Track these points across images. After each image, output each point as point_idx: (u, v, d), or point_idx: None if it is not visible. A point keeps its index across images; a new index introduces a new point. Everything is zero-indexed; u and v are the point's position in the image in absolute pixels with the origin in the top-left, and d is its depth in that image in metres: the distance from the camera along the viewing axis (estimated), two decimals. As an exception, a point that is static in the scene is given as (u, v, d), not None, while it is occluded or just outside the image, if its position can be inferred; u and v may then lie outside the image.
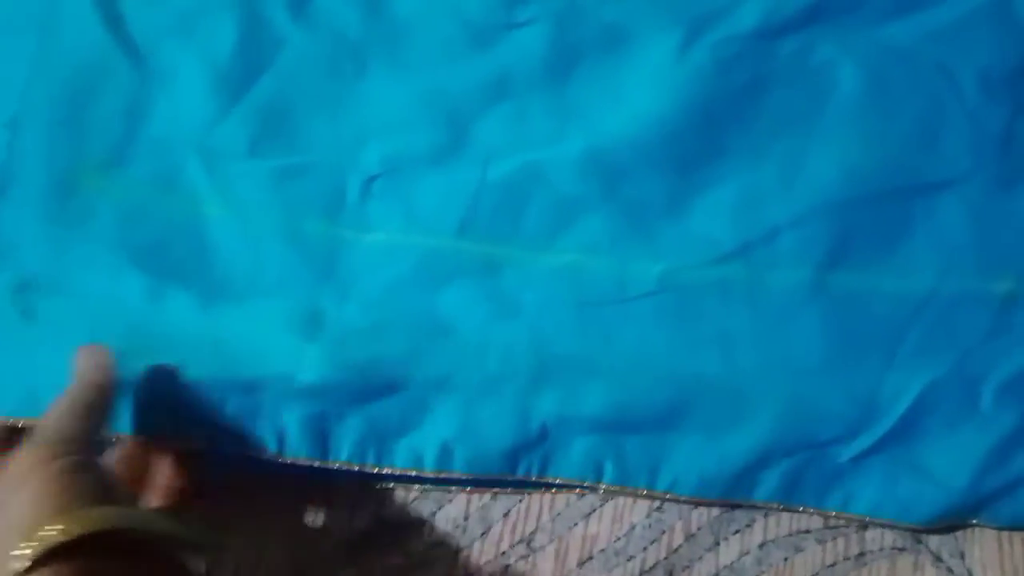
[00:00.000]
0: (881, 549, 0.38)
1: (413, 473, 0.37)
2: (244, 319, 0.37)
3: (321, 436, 0.36)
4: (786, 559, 0.38)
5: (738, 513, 0.38)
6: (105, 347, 0.34)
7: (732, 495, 0.38)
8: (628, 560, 0.38)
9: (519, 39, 0.41)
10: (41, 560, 0.26)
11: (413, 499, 0.39)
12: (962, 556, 0.38)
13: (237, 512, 0.37)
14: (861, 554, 0.38)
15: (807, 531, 0.38)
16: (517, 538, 0.38)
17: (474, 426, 0.37)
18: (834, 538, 0.38)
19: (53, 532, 0.26)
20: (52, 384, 0.33)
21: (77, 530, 0.27)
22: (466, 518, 0.38)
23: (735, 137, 0.40)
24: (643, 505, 0.39)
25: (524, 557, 0.38)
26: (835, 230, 0.39)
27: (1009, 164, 0.40)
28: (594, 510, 0.39)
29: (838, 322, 0.39)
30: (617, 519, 0.39)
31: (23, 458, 0.29)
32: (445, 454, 0.37)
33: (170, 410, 0.36)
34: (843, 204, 0.40)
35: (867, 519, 0.37)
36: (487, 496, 0.39)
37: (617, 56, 0.41)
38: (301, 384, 0.36)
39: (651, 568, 0.38)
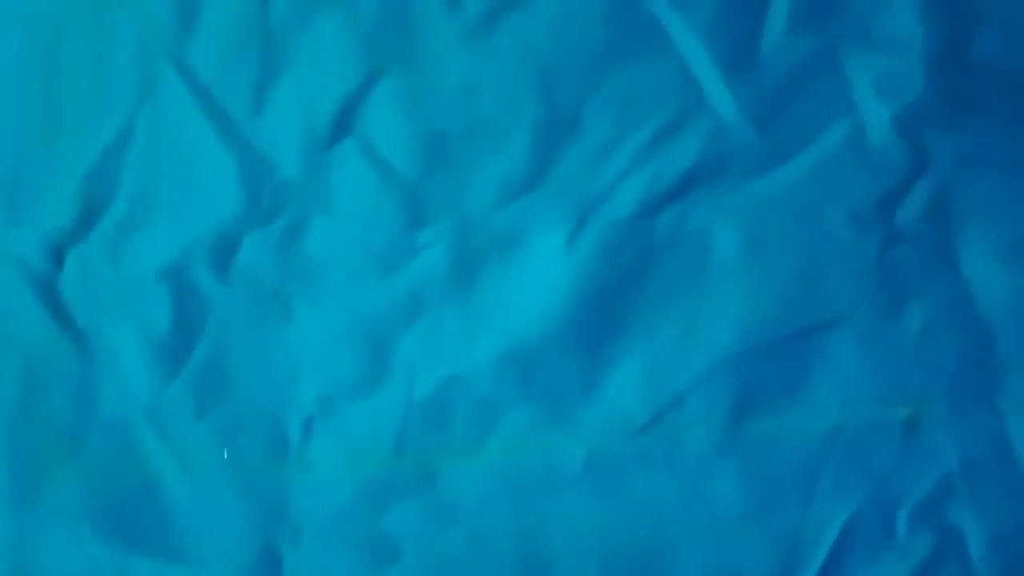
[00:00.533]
0: None
1: None
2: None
3: None
4: None
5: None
6: None
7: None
8: None
9: (424, 259, 0.45)
10: None
11: None
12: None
13: None
14: None
15: None
16: None
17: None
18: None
19: None
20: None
21: None
22: None
23: (631, 312, 0.44)
24: None
25: None
26: (737, 384, 0.42)
27: (888, 293, 0.43)
28: None
29: (754, 471, 0.41)
30: None
31: None
32: None
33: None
34: (740, 358, 0.43)
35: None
36: None
37: (514, 258, 0.45)
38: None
39: None
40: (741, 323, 0.43)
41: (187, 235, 0.46)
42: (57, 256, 0.46)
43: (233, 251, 0.46)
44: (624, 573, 0.40)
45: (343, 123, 0.47)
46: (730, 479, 0.41)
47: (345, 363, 0.44)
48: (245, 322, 0.45)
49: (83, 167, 0.46)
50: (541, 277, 0.44)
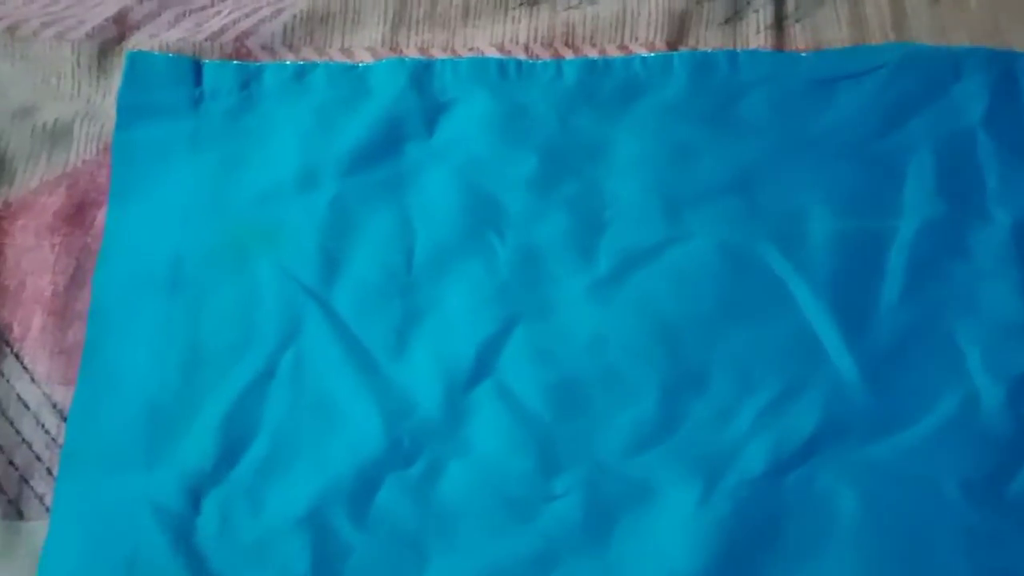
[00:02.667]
0: None
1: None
2: None
3: None
4: None
5: None
6: None
7: None
8: None
9: (557, 509, 0.46)
10: None
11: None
12: None
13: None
14: None
15: None
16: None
17: None
18: None
19: None
20: None
21: None
22: None
23: (759, 574, 0.45)
24: None
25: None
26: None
27: (1001, 569, 0.45)
28: None
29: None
30: None
31: None
32: None
33: None
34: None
35: None
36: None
37: (646, 513, 0.46)
38: None
39: None
40: (858, 591, 0.45)
41: (327, 477, 0.46)
42: (194, 499, 0.46)
43: (372, 494, 0.46)
44: None
45: (481, 367, 0.48)
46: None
47: (475, 617, 0.45)
48: (382, 568, 0.45)
49: (223, 405, 0.47)
50: (674, 534, 0.45)
